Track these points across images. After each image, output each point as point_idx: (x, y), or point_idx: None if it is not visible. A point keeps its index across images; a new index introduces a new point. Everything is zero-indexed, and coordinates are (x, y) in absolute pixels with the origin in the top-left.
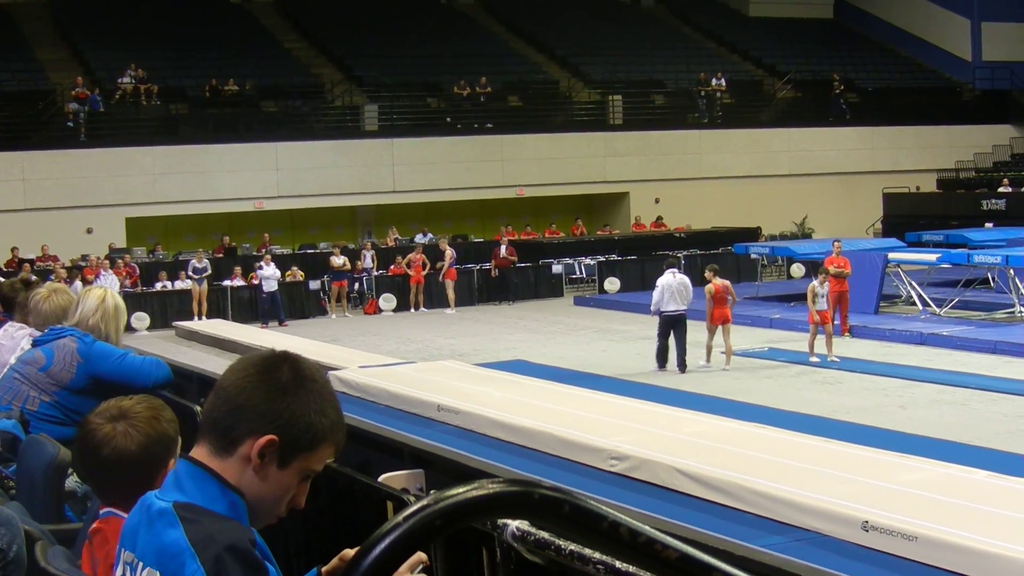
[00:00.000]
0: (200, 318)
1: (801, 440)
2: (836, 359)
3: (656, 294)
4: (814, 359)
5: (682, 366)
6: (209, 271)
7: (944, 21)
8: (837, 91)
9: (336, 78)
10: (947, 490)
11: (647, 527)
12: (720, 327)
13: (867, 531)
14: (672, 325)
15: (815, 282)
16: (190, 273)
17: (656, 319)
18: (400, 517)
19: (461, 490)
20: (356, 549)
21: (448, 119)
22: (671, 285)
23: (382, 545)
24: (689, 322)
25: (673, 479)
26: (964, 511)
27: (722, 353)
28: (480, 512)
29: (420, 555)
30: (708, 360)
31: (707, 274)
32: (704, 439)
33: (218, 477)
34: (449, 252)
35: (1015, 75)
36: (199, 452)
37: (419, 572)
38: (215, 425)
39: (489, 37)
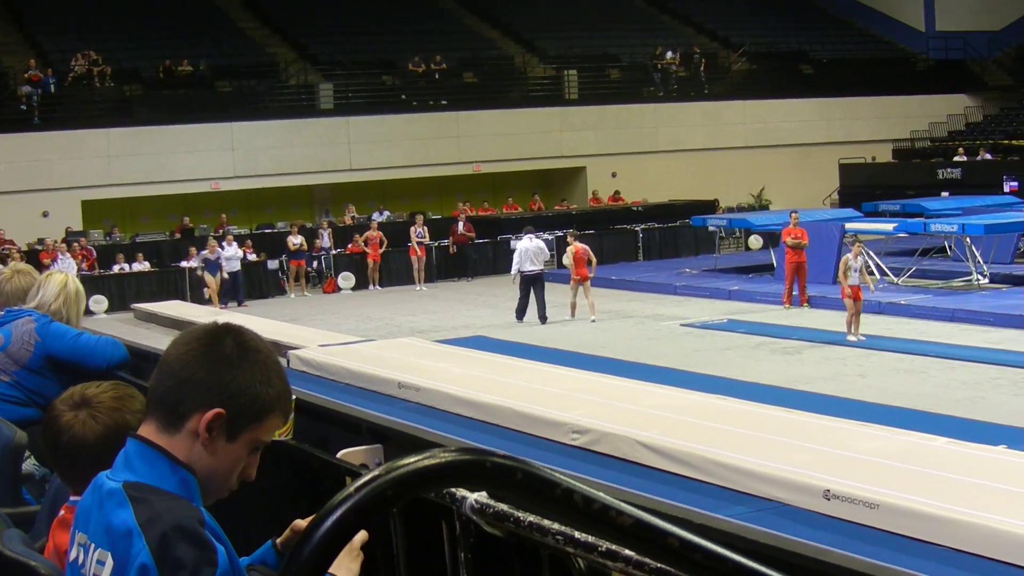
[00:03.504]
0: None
1: (761, 410)
2: (862, 338)
3: (515, 256)
4: (852, 338)
5: (543, 319)
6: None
7: None
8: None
9: (290, 57)
10: (907, 457)
11: (601, 494)
12: (580, 285)
13: (829, 500)
14: (531, 283)
15: (848, 255)
16: (200, 264)
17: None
18: (352, 488)
19: (413, 459)
20: (308, 519)
21: (403, 96)
22: (528, 248)
23: (335, 516)
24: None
25: (634, 451)
26: (924, 478)
27: (584, 307)
28: (432, 481)
29: (363, 533)
30: (573, 315)
31: (568, 238)
32: (665, 411)
33: (167, 454)
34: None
35: (968, 45)
36: (147, 430)
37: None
38: (161, 401)
39: (443, 13)
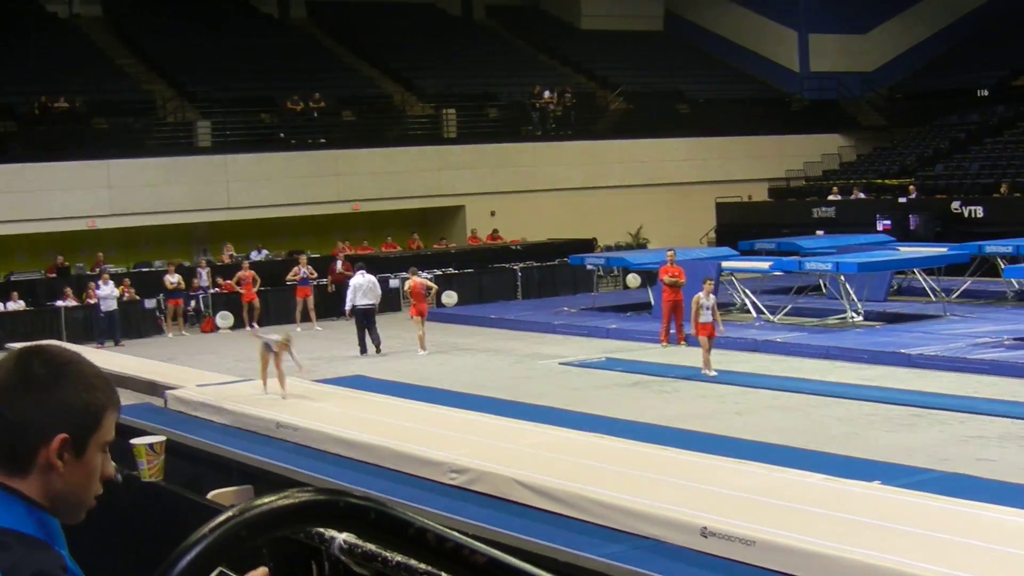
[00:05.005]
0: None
1: (639, 449)
2: (713, 373)
3: (349, 292)
4: (711, 373)
5: (377, 349)
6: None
7: (772, 33)
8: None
9: (168, 94)
10: (783, 494)
11: (455, 532)
12: (418, 319)
13: (706, 537)
14: (364, 317)
15: (700, 294)
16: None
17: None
18: (205, 529)
19: (267, 500)
20: None
21: (282, 135)
22: (361, 284)
23: (187, 558)
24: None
25: (513, 491)
26: (800, 514)
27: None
28: (286, 522)
29: None
30: (423, 347)
31: (408, 273)
32: (543, 450)
33: (23, 497)
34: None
35: (842, 85)
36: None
37: None
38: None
39: (322, 52)
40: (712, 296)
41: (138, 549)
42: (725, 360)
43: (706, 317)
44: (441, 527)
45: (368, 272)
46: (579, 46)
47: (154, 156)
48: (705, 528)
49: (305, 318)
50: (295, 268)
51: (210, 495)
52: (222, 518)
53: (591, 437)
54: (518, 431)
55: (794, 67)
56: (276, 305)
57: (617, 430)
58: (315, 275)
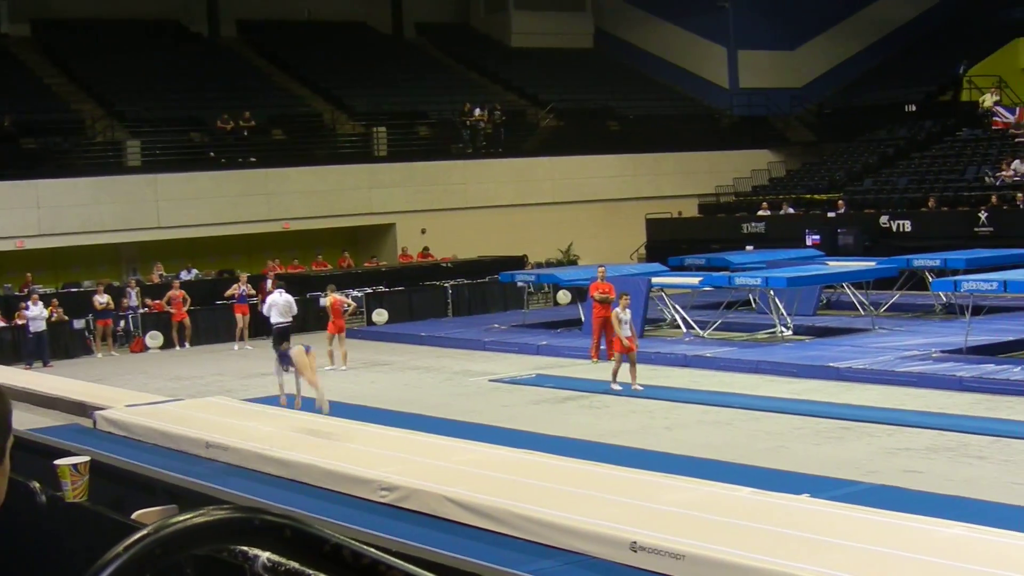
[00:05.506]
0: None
1: (569, 465)
2: (639, 387)
3: (265, 310)
4: (616, 387)
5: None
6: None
7: (702, 49)
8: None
9: (97, 113)
10: (712, 508)
11: (371, 549)
12: (336, 335)
13: (635, 551)
14: (279, 335)
15: (617, 308)
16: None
17: None
18: (120, 548)
19: (182, 518)
20: None
21: (212, 154)
22: (278, 303)
23: None
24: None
25: (443, 508)
26: (728, 528)
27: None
28: (202, 539)
29: None
30: (333, 363)
31: (328, 290)
32: (474, 467)
33: None
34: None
35: (771, 101)
36: None
37: None
38: None
39: (251, 71)
40: (628, 311)
41: (60, 571)
42: (655, 375)
43: (626, 331)
44: (358, 543)
45: (287, 292)
46: (509, 64)
47: (83, 176)
48: (635, 543)
49: (242, 336)
50: (235, 285)
51: (134, 515)
52: (136, 536)
53: (521, 453)
54: (448, 448)
55: (723, 83)
56: (206, 324)
57: (547, 446)
58: (254, 293)
